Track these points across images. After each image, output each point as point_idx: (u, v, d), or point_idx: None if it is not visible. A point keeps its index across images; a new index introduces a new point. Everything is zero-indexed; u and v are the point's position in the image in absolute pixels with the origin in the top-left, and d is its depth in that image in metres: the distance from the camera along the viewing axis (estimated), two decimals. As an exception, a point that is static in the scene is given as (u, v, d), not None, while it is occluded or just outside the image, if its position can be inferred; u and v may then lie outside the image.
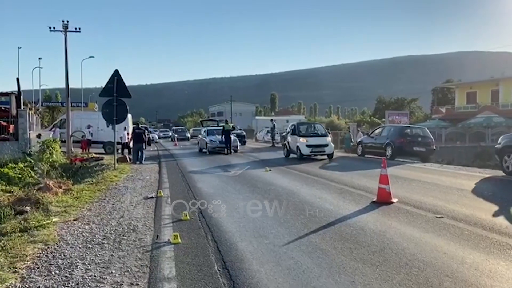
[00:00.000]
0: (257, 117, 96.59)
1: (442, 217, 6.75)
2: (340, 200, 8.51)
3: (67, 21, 25.06)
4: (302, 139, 18.64)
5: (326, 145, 18.61)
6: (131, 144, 21.00)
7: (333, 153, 18.98)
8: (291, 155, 19.72)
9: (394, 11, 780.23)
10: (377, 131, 20.98)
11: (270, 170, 14.21)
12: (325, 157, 18.86)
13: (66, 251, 5.30)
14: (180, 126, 69.29)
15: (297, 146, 18.74)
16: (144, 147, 19.79)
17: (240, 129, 40.77)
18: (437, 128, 43.80)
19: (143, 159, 19.03)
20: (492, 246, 5.18)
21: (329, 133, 20.96)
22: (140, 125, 21.80)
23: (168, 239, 5.72)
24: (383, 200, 7.99)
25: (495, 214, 6.94)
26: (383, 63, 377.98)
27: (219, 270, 4.59)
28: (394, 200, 8.03)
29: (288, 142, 20.10)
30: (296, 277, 4.31)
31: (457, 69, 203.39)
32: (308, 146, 18.41)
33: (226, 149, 23.09)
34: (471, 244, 5.31)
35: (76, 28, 26.27)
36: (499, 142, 12.60)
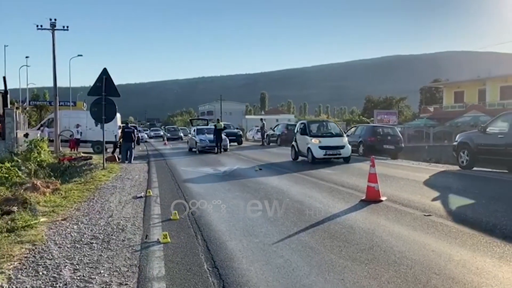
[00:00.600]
0: (247, 116, 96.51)
1: (430, 215, 6.81)
2: (330, 199, 8.55)
3: (55, 19, 24.83)
4: (314, 140, 16.24)
5: (343, 147, 16.17)
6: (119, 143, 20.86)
7: (350, 156, 16.40)
8: (300, 158, 17.40)
9: (383, 11, 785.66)
10: (351, 130, 22.54)
11: (260, 169, 14.23)
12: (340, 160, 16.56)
13: (54, 251, 5.25)
14: (171, 126, 67.01)
15: (308, 148, 16.30)
16: (133, 147, 19.67)
17: (237, 128, 39.34)
18: (425, 127, 44.24)
19: (132, 158, 18.92)
20: (479, 244, 5.24)
21: (344, 133, 18.89)
22: (129, 124, 21.60)
23: (158, 239, 5.69)
24: (372, 199, 8.04)
25: (478, 211, 7.03)
26: (372, 62, 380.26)
27: (208, 269, 4.58)
28: (383, 198, 8.09)
29: (296, 143, 17.61)
30: (285, 275, 4.32)
31: (445, 69, 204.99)
32: (321, 148, 15.95)
33: (216, 148, 23.05)
34: (458, 241, 5.37)
35: (64, 26, 26.08)
36: (455, 139, 13.88)
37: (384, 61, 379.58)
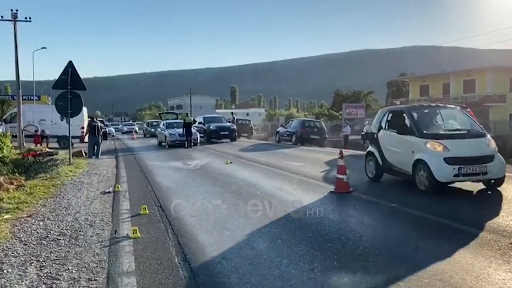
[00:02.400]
0: (217, 110, 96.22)
1: (396, 205, 6.99)
2: (300, 191, 8.64)
3: (16, 10, 23.99)
4: (432, 145, 8.01)
5: (490, 158, 7.96)
6: (86, 139, 20.36)
7: (504, 176, 8.12)
8: (387, 176, 9.64)
9: (351, 6, 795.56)
10: (288, 123, 27.41)
11: (231, 162, 14.21)
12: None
13: (19, 249, 5.10)
14: (154, 120, 47.59)
15: (419, 162, 8.05)
16: (100, 141, 19.23)
17: (230, 121, 30.08)
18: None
19: (100, 153, 18.53)
20: (444, 232, 5.42)
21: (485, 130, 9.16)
22: (95, 119, 21.12)
23: (127, 234, 5.62)
24: (341, 190, 8.18)
25: (439, 198, 7.27)
26: (341, 57, 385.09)
27: (179, 263, 4.56)
28: (351, 189, 8.24)
29: (379, 149, 9.63)
30: (257, 266, 4.35)
31: (411, 63, 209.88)
32: (450, 161, 7.68)
33: (186, 143, 22.86)
34: (424, 230, 5.54)
35: (26, 18, 25.19)
36: (363, 131, 15.60)
37: (352, 55, 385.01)
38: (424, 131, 8.35)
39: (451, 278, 3.90)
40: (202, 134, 26.40)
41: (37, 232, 5.84)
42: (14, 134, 22.63)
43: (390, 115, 9.80)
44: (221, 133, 26.73)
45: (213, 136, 26.46)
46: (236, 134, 27.58)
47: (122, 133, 48.51)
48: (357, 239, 5.18)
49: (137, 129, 53.63)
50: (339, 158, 8.46)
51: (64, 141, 23.91)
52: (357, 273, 4.10)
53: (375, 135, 10.00)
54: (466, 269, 4.13)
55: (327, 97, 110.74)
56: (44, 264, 4.56)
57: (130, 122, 70.36)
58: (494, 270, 4.10)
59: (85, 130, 21.71)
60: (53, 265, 4.54)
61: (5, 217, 6.59)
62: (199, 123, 27.46)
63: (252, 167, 13.27)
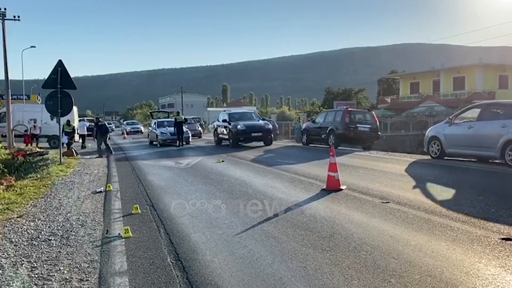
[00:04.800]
0: (208, 109, 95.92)
1: (388, 202, 7.03)
2: (292, 189, 8.66)
3: (5, 9, 23.76)
4: None
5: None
6: (75, 139, 20.65)
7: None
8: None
9: (342, 4, 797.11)
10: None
11: (223, 161, 14.20)
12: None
13: (10, 250, 5.06)
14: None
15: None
16: (107, 139, 19.82)
17: (265, 119, 24.96)
18: (383, 118, 45.38)
19: (111, 149, 19.23)
20: (434, 228, 5.46)
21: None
22: (100, 119, 21.66)
23: (119, 233, 5.60)
24: (332, 188, 8.21)
25: (435, 198, 7.33)
26: (332, 54, 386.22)
27: (172, 262, 4.56)
28: (343, 187, 8.27)
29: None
30: (249, 265, 4.36)
31: (402, 61, 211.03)
32: None
33: (178, 141, 22.80)
34: (415, 227, 5.58)
35: (15, 16, 24.96)
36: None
37: (343, 53, 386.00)
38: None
39: (441, 274, 3.94)
40: (226, 136, 21.13)
41: (28, 233, 5.80)
42: (4, 134, 22.42)
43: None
44: (253, 134, 20.17)
45: (241, 138, 20.27)
46: (272, 135, 21.37)
47: (127, 133, 42.00)
48: (349, 236, 5.20)
49: (142, 129, 49.12)
50: (330, 155, 8.50)
51: (54, 141, 23.75)
52: (349, 270, 4.13)
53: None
54: (456, 264, 4.17)
55: (318, 94, 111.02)
56: (35, 265, 4.53)
57: (134, 121, 61.50)
58: (484, 266, 4.15)
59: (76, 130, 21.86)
60: (45, 265, 4.52)
61: (-5, 218, 6.53)
62: (223, 120, 21.59)
63: (243, 165, 13.26)
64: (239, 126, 20.15)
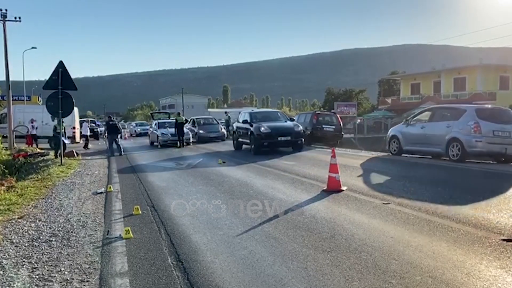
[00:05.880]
0: (209, 110, 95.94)
1: (389, 203, 7.03)
2: (292, 190, 8.65)
3: (6, 10, 23.80)
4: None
5: None
6: (83, 138, 20.65)
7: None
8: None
9: (343, 5, 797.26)
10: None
11: (224, 162, 14.18)
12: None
13: (11, 251, 5.07)
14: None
15: None
16: (118, 138, 20.00)
17: (292, 119, 19.57)
18: (384, 118, 45.40)
19: (122, 149, 19.28)
20: (435, 229, 5.46)
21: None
22: (112, 118, 21.65)
23: (120, 234, 5.60)
24: (333, 188, 8.20)
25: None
26: (332, 55, 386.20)
27: (172, 263, 4.56)
28: (344, 188, 8.27)
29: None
30: (250, 266, 4.36)
31: (402, 61, 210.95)
32: None
33: (178, 142, 22.80)
34: (416, 228, 5.57)
35: (16, 17, 25.00)
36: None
37: (343, 54, 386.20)
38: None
39: (442, 275, 3.93)
40: (247, 140, 17.64)
41: (29, 234, 5.81)
42: (5, 135, 22.44)
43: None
44: (279, 138, 16.49)
45: (265, 143, 16.48)
46: (303, 140, 17.51)
47: (136, 135, 40.19)
48: (350, 237, 5.20)
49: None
50: (331, 156, 8.49)
51: (55, 141, 23.73)
52: (350, 271, 4.13)
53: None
54: (458, 266, 4.17)
55: (319, 95, 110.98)
56: (36, 266, 4.53)
57: (143, 122, 56.40)
58: (485, 267, 4.14)
59: (76, 131, 21.85)
60: (45, 266, 4.52)
61: (-4, 219, 6.54)
62: (243, 121, 18.19)
63: (244, 166, 13.26)
64: (262, 129, 16.50)
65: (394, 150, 14.76)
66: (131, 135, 42.31)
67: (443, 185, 8.58)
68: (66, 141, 19.85)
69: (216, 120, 30.52)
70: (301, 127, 17.90)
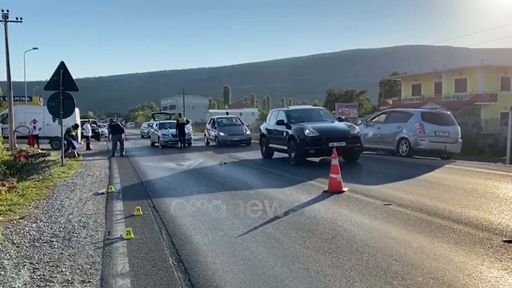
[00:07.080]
0: (210, 110, 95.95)
1: (390, 204, 7.02)
2: (293, 191, 8.65)
3: (7, 11, 23.84)
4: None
5: None
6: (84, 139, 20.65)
7: None
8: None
9: (343, 6, 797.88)
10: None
11: (224, 163, 14.18)
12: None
13: (12, 251, 5.07)
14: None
15: None
16: (122, 138, 19.94)
17: (341, 119, 15.73)
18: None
19: (124, 150, 19.33)
20: (436, 230, 5.45)
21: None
22: (114, 119, 21.79)
23: (121, 235, 5.60)
24: (334, 189, 8.19)
25: (438, 200, 7.32)
26: (333, 56, 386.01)
27: (174, 263, 4.56)
28: (345, 189, 8.26)
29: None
30: (251, 267, 4.36)
31: (403, 62, 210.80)
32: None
33: (179, 143, 22.82)
34: (417, 229, 5.56)
35: (17, 18, 25.05)
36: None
37: (344, 54, 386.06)
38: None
39: (444, 276, 3.93)
40: (284, 146, 13.62)
41: (30, 234, 5.81)
42: (6, 136, 22.46)
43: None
44: (330, 144, 11.96)
45: (311, 151, 12.52)
46: (361, 146, 13.46)
47: (142, 137, 39.49)
48: (351, 238, 5.20)
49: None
50: (332, 158, 8.48)
51: (56, 142, 23.77)
52: (351, 272, 4.12)
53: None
54: (459, 267, 4.16)
55: (320, 96, 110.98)
56: (37, 267, 4.53)
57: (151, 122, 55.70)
58: (486, 268, 4.13)
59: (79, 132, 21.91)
60: (46, 267, 4.52)
61: (-3, 219, 6.54)
62: (278, 123, 14.30)
63: (244, 167, 13.26)
64: (307, 131, 12.51)
65: None
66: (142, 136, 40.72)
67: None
68: (77, 145, 19.88)
69: (240, 120, 26.15)
70: (357, 129, 13.70)
